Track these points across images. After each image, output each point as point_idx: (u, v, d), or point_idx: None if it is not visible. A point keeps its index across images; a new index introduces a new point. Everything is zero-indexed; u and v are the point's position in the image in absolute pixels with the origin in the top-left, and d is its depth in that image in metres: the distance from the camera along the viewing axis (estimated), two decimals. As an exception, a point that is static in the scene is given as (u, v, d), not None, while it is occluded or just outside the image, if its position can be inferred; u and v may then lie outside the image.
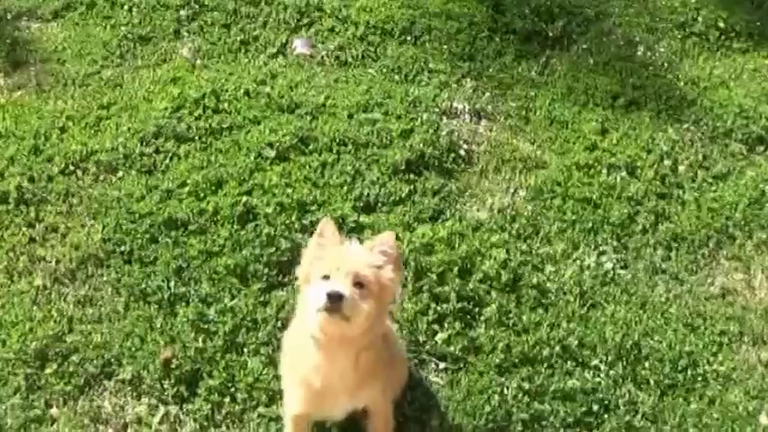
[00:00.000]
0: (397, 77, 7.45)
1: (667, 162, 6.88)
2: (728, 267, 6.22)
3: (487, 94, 7.41)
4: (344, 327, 4.01)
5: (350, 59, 7.60)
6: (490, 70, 7.67)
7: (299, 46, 7.63)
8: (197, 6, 7.95)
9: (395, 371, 4.74)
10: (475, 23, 8.05)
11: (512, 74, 7.67)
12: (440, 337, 5.35)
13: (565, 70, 7.79)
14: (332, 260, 4.07)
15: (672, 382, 5.35)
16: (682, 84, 7.82)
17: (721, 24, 8.51)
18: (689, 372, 5.41)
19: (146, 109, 6.72)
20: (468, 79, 7.54)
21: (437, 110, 7.10)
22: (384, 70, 7.51)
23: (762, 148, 7.27)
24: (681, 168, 6.87)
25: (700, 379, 5.40)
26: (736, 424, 5.17)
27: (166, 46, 7.58)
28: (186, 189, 6.01)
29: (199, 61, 7.40)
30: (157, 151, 6.36)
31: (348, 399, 4.40)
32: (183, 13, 7.87)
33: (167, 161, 6.28)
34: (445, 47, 7.81)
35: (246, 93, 6.90)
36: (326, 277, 4.03)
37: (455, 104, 7.23)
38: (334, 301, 3.90)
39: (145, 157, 6.31)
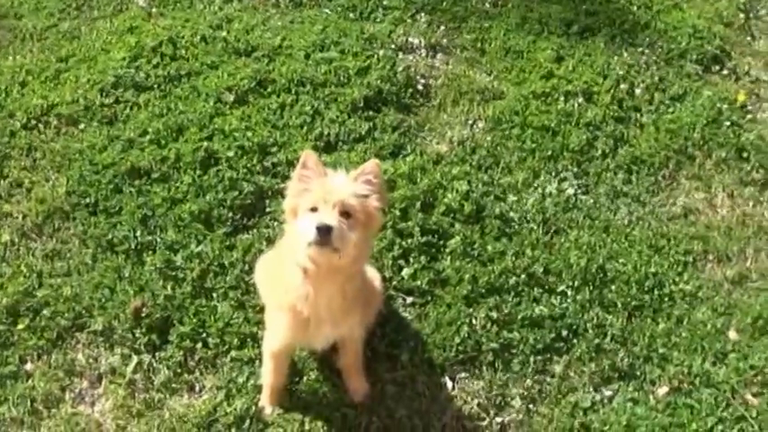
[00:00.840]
0: (351, 15, 7.27)
1: (623, 86, 6.77)
2: (689, 187, 6.14)
3: (442, 27, 7.23)
4: (334, 257, 3.88)
5: (304, 0, 7.39)
6: (444, 4, 7.48)
7: (254, -12, 7.41)
8: (152, -46, 7.74)
9: (372, 300, 4.63)
10: (429, -43, 7.86)
11: (466, 6, 7.49)
12: (406, 272, 5.22)
13: (518, 0, 7.59)
14: (318, 192, 3.93)
15: (639, 303, 5.28)
16: (635, 8, 7.69)
17: (673, -54, 8.35)
18: (655, 292, 5.34)
19: (104, 60, 6.52)
20: (423, 14, 7.36)
21: (393, 46, 6.93)
22: (339, 9, 7.33)
23: (717, 68, 7.21)
24: (637, 92, 6.77)
25: (666, 299, 5.33)
26: (705, 341, 5.11)
27: (123, -7, 7.37)
28: (147, 138, 5.82)
29: (154, 9, 7.19)
30: (117, 101, 6.16)
31: (332, 328, 4.28)
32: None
33: (128, 111, 6.09)
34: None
35: (203, 38, 6.72)
36: (314, 209, 3.90)
37: (410, 40, 7.05)
38: (324, 233, 3.77)
39: (105, 108, 6.11)
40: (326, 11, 7.28)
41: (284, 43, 6.75)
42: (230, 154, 5.71)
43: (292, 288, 4.06)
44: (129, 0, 7.30)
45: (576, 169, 6.08)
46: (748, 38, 7.62)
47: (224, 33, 6.80)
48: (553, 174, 6.03)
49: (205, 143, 5.76)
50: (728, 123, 6.57)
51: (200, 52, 6.58)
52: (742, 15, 7.78)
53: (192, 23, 6.89)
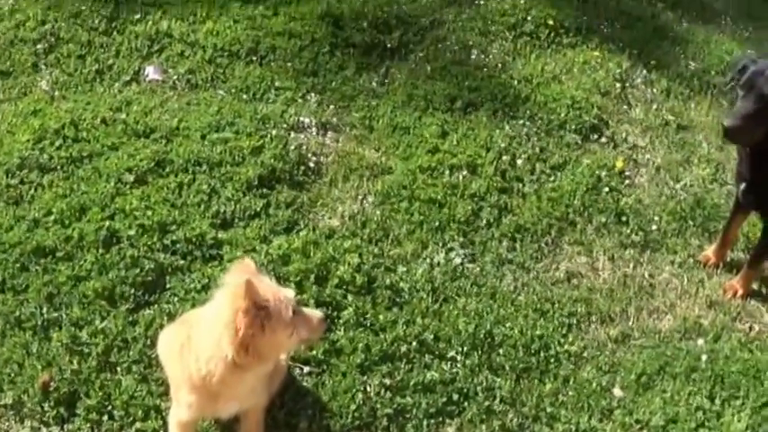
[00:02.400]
0: (245, 97, 7.47)
1: (506, 158, 7.06)
2: (572, 252, 6.42)
3: (332, 106, 7.49)
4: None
5: (200, 82, 7.59)
6: (333, 84, 7.75)
7: (152, 72, 7.58)
8: (53, 39, 7.84)
9: (277, 372, 4.79)
10: (316, 40, 8.14)
11: (354, 86, 7.77)
12: (303, 342, 5.41)
13: (404, 79, 7.92)
14: (284, 295, 4.15)
15: (526, 365, 5.49)
16: (516, 82, 8.05)
17: (550, 22, 8.82)
18: (542, 354, 5.57)
19: (9, 142, 6.62)
20: (313, 94, 7.60)
21: (285, 125, 7.14)
22: (233, 91, 7.52)
23: (595, 137, 7.58)
24: (519, 162, 7.06)
25: (553, 360, 5.56)
26: (591, 399, 5.34)
27: (26, 80, 7.46)
28: (52, 217, 5.92)
29: (57, 93, 7.30)
30: (23, 182, 6.25)
31: (241, 402, 4.43)
32: (39, 46, 7.75)
33: (32, 191, 6.17)
34: (290, 64, 7.86)
35: (104, 121, 6.86)
36: (295, 311, 4.16)
37: (302, 119, 7.27)
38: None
39: (11, 189, 6.20)
40: (221, 92, 7.47)
41: (181, 125, 6.92)
42: (131, 233, 5.83)
43: (210, 371, 4.16)
44: (33, 84, 7.39)
45: (462, 239, 6.31)
46: (625, 106, 8.04)
47: (124, 116, 6.95)
48: (441, 244, 6.24)
49: (107, 222, 5.87)
50: (608, 189, 6.92)
51: (102, 134, 6.70)
52: (618, 85, 8.20)
53: (93, 106, 7.03)
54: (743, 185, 6.00)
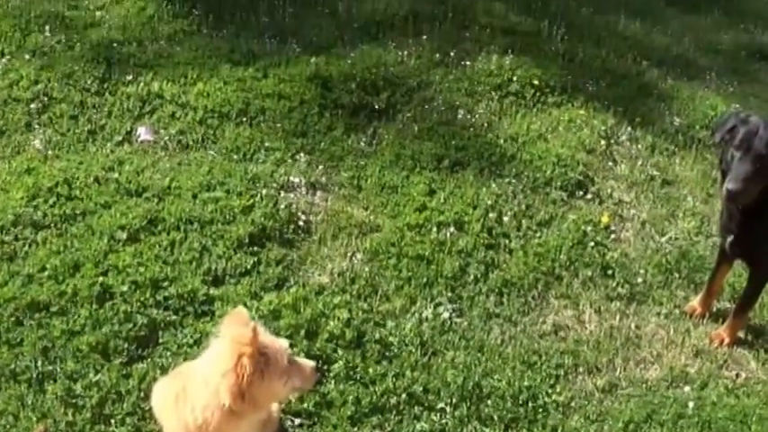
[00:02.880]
0: (236, 157, 7.64)
1: (492, 215, 7.23)
2: (558, 305, 6.57)
3: (321, 166, 7.65)
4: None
5: (191, 143, 7.77)
6: (322, 144, 7.93)
7: (143, 133, 7.77)
8: (46, 99, 8.05)
9: (269, 423, 4.92)
10: (305, 101, 8.34)
11: (342, 146, 7.95)
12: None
13: (392, 139, 8.11)
14: (280, 345, 4.33)
15: (515, 415, 5.60)
16: (502, 141, 8.25)
17: (536, 82, 9.06)
18: (530, 404, 5.68)
19: (3, 199, 6.76)
20: (303, 154, 7.77)
21: (275, 185, 7.29)
22: (224, 151, 7.69)
23: (581, 193, 7.76)
24: (506, 219, 7.23)
25: (541, 410, 5.67)
26: (577, 449, 5.45)
27: (19, 138, 7.64)
28: (46, 273, 6.06)
29: (50, 152, 7.47)
30: (17, 239, 6.39)
31: None
32: (33, 106, 7.95)
33: (27, 248, 6.31)
34: (279, 125, 8.05)
35: (96, 180, 7.01)
36: (290, 360, 4.35)
37: (291, 179, 7.43)
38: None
39: (5, 245, 6.33)
40: (212, 153, 7.65)
41: (173, 184, 7.08)
42: (124, 289, 5.97)
43: (206, 420, 4.28)
44: (26, 143, 7.57)
45: (450, 294, 6.45)
46: (610, 163, 8.24)
47: (116, 175, 7.11)
48: (429, 299, 6.38)
49: (100, 278, 6.01)
50: (593, 244, 7.09)
51: (94, 193, 6.86)
52: (603, 142, 8.42)
53: (85, 165, 7.19)
54: (730, 237, 6.16)
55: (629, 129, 8.70)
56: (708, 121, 8.93)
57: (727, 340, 6.38)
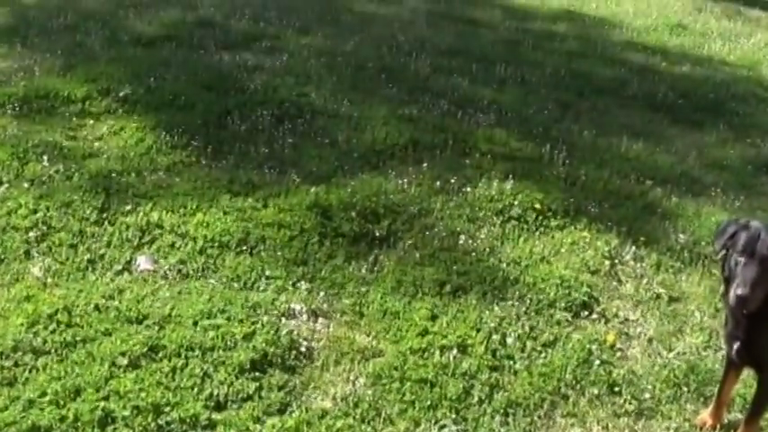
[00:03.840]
0: (236, 285, 7.83)
1: (496, 337, 7.38)
2: (565, 424, 6.66)
3: (322, 293, 7.82)
4: None
5: (191, 272, 7.97)
6: (323, 272, 8.11)
7: (143, 263, 7.98)
8: (45, 228, 8.29)
9: None
10: (306, 230, 8.57)
11: (343, 273, 8.14)
12: None
13: (393, 266, 8.29)
14: None
15: None
16: (504, 265, 8.44)
17: (537, 206, 9.29)
18: None
19: (2, 325, 6.95)
20: (304, 282, 7.95)
21: (276, 312, 7.47)
22: (224, 280, 7.89)
23: (586, 313, 7.92)
24: (509, 341, 7.37)
25: None
26: None
27: (18, 266, 7.83)
28: (47, 398, 6.19)
29: (50, 280, 7.66)
30: (17, 364, 6.54)
31: None
32: (31, 234, 8.19)
33: (27, 373, 6.47)
34: (279, 254, 8.26)
35: (96, 307, 7.21)
36: None
37: (293, 306, 7.61)
38: None
39: (5, 370, 6.48)
40: (212, 282, 7.84)
41: (173, 312, 7.27)
42: (126, 413, 6.11)
43: None
44: (25, 270, 7.77)
45: (454, 416, 6.55)
46: (615, 282, 8.42)
47: (116, 303, 7.31)
48: (433, 422, 6.48)
49: (102, 403, 6.16)
50: (599, 362, 7.21)
51: (95, 320, 7.05)
52: (608, 263, 8.61)
53: (85, 293, 7.39)
54: (737, 345, 6.32)
55: (634, 248, 8.89)
56: (712, 236, 9.06)
57: None
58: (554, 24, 18.00)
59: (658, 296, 8.28)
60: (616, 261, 8.70)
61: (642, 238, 9.06)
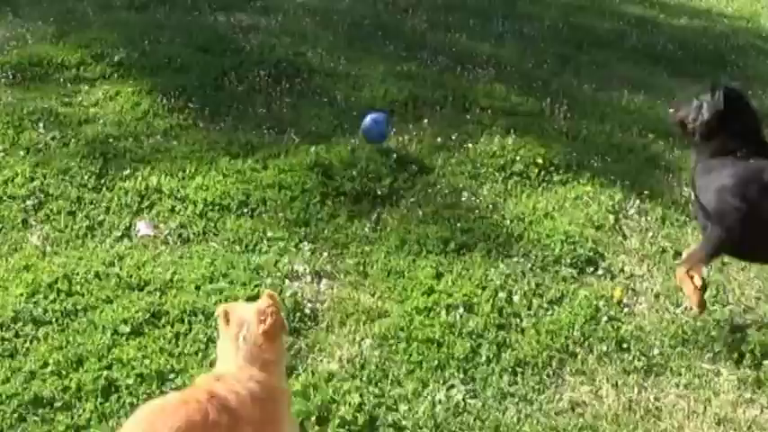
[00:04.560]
0: (238, 248, 7.74)
1: (502, 295, 7.30)
2: (574, 382, 6.59)
3: (325, 254, 7.75)
4: None
5: (192, 236, 7.89)
6: (326, 232, 8.05)
7: (143, 228, 7.90)
8: (42, 196, 8.22)
9: None
10: (307, 190, 8.50)
11: (346, 233, 8.06)
12: (305, 482, 5.54)
13: (396, 224, 8.22)
14: None
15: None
16: (508, 221, 8.36)
17: (540, 161, 9.22)
18: (550, 481, 5.70)
19: (2, 296, 6.87)
20: (306, 243, 7.87)
21: (279, 274, 7.39)
22: (225, 243, 7.80)
23: (591, 269, 7.83)
24: (515, 299, 7.30)
25: (562, 487, 5.68)
26: None
27: (16, 236, 7.76)
28: (49, 369, 6.12)
29: (49, 248, 7.58)
30: (17, 335, 6.47)
31: None
32: (29, 203, 8.11)
33: (28, 344, 6.39)
34: (281, 215, 8.18)
35: (97, 275, 7.13)
36: None
37: (296, 267, 7.53)
38: None
39: (6, 342, 6.41)
40: (214, 245, 7.76)
41: (175, 277, 7.19)
42: (130, 382, 6.04)
43: None
44: (24, 240, 7.69)
45: (462, 376, 6.49)
46: (620, 237, 8.33)
47: (117, 270, 7.23)
48: (441, 382, 6.42)
49: (105, 372, 6.09)
50: (607, 319, 7.14)
51: (95, 288, 6.98)
52: (612, 217, 8.53)
53: (85, 261, 7.32)
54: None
55: (638, 202, 8.82)
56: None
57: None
58: (551, -23, 17.80)
59: (664, 250, 8.18)
60: (620, 215, 8.62)
61: (646, 192, 8.97)
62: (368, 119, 9.17)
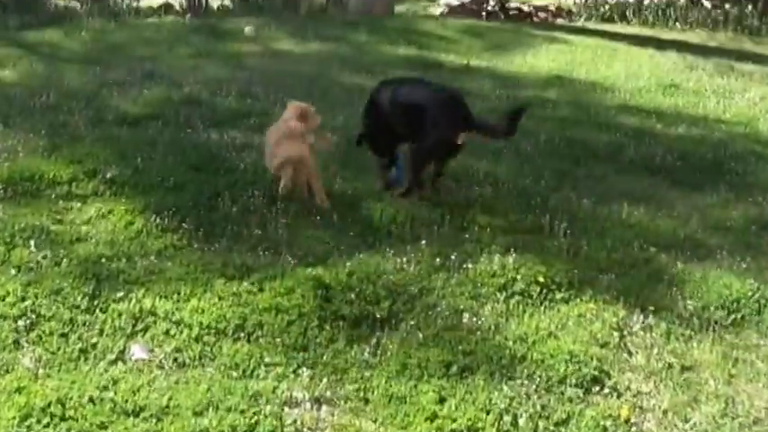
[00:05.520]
0: (235, 374, 7.71)
1: (507, 418, 7.26)
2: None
3: (325, 380, 7.70)
4: None
5: (188, 360, 7.85)
6: (324, 357, 8.01)
7: (137, 351, 7.87)
8: (34, 316, 8.19)
9: None
10: (304, 314, 8.48)
11: (346, 358, 8.04)
12: None
13: (396, 348, 8.18)
14: None
15: None
16: (510, 342, 8.34)
17: (541, 279, 9.22)
18: None
19: (-5, 403, 6.88)
20: (305, 368, 7.85)
21: (278, 401, 7.35)
22: (222, 368, 7.77)
23: (597, 388, 7.80)
24: (521, 422, 7.25)
25: None
26: None
27: (7, 357, 7.72)
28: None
29: (41, 370, 7.54)
30: (12, 464, 6.44)
31: None
32: (20, 323, 8.09)
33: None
34: (278, 340, 8.16)
35: (91, 399, 7.08)
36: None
37: (295, 394, 7.48)
38: None
39: (0, 473, 6.38)
40: (210, 370, 7.72)
41: (171, 403, 7.15)
42: None
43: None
44: (15, 361, 7.66)
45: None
46: (625, 354, 8.31)
47: (111, 394, 7.18)
48: None
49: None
50: (615, 437, 7.09)
51: (89, 413, 6.92)
52: (617, 334, 8.52)
53: (78, 384, 7.27)
54: None
55: (642, 318, 8.80)
56: (723, 302, 9.14)
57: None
58: (545, 91, 18.09)
59: (670, 366, 8.17)
60: (625, 332, 8.60)
61: (650, 307, 8.96)
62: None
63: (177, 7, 28.79)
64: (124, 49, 21.18)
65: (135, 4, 28.72)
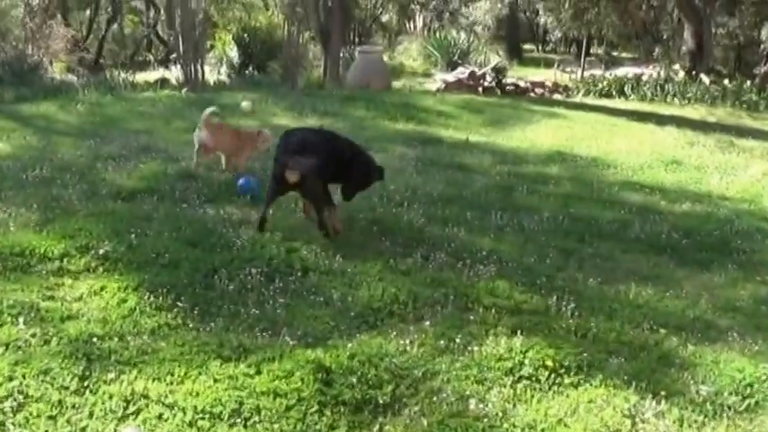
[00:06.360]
0: None
1: None
2: None
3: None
4: None
5: None
6: None
7: (129, 436, 7.62)
8: (21, 397, 7.90)
9: None
10: (304, 398, 8.20)
11: None
12: None
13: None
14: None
15: None
16: (519, 430, 8.07)
17: (549, 363, 8.95)
18: None
19: None
20: None
21: None
22: None
23: (609, 479, 7.47)
24: None
25: None
26: None
27: (-9, 442, 7.46)
28: None
29: (29, 447, 7.27)
30: None
31: None
32: (6, 404, 7.80)
33: None
34: (276, 425, 7.88)
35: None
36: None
37: None
38: None
39: None
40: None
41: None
42: None
43: None
44: (2, 441, 7.41)
45: None
46: (638, 441, 8.02)
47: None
48: None
49: None
50: None
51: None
52: (628, 422, 8.23)
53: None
54: None
55: (654, 404, 8.53)
56: (736, 387, 8.91)
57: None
58: (547, 167, 18.13)
59: (683, 454, 7.91)
60: (637, 419, 8.31)
61: (662, 392, 8.69)
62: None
63: (174, 81, 28.99)
64: (120, 122, 21.30)
65: (131, 78, 28.92)
